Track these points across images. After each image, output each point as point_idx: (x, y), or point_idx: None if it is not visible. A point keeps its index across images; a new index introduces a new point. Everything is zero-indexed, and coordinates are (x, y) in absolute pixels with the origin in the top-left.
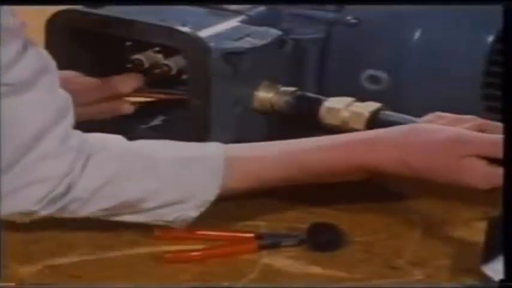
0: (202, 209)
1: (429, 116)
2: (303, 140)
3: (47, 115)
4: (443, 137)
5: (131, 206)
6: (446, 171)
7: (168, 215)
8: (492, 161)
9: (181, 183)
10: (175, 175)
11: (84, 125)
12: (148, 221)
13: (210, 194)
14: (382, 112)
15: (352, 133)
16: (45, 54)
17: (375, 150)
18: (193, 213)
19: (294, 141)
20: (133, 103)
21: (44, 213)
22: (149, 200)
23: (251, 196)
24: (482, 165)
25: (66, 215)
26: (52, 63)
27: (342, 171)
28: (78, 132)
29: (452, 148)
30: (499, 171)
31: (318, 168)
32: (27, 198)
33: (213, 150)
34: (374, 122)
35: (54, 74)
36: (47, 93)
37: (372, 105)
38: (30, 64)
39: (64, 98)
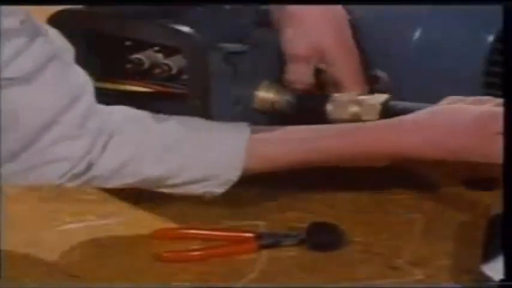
0: (226, 187)
1: (446, 100)
2: (324, 126)
3: (57, 101)
4: (475, 115)
5: (156, 182)
6: (480, 148)
7: (196, 189)
8: None
9: (204, 163)
10: (199, 155)
11: None
12: (179, 193)
13: (233, 174)
14: (391, 102)
15: (378, 121)
16: (54, 41)
17: (403, 134)
18: (219, 190)
19: (316, 127)
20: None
21: (70, 185)
22: (173, 178)
23: (251, 195)
24: None
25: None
26: (63, 48)
27: (368, 156)
28: (100, 111)
29: (485, 125)
30: None
31: (341, 153)
32: (49, 174)
33: (239, 132)
34: (387, 111)
35: (64, 59)
36: (56, 80)
37: (379, 97)
38: (34, 55)
39: (79, 81)
